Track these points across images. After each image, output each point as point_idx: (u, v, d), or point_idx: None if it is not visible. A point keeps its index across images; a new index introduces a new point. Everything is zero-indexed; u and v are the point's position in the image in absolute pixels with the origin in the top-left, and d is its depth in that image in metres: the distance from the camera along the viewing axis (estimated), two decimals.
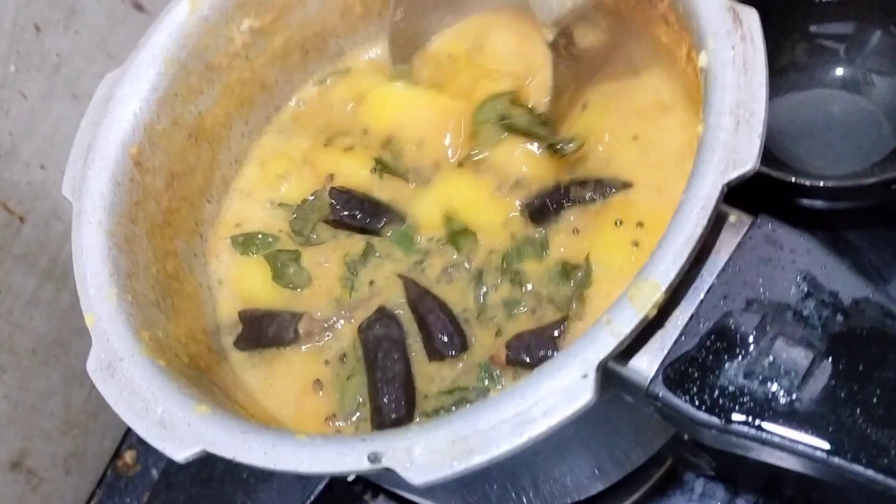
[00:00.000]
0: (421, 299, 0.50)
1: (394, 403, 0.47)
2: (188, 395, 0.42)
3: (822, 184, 0.60)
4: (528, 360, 0.47)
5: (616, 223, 0.50)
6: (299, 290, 0.55)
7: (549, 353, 0.46)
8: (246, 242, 0.57)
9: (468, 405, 0.36)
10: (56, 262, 0.77)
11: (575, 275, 0.50)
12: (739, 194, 0.38)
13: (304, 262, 0.56)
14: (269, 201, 0.59)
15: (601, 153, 0.53)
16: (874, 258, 0.66)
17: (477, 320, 0.50)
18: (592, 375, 0.35)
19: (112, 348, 0.43)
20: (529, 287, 0.50)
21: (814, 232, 0.66)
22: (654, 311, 0.36)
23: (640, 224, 0.50)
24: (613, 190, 0.52)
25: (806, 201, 0.62)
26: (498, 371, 0.48)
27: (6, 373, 0.74)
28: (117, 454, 0.86)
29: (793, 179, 0.60)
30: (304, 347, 0.52)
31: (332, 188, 0.56)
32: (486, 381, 0.48)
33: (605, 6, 0.54)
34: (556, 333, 0.47)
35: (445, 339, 0.48)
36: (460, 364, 0.49)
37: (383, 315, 0.50)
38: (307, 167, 0.59)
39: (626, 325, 0.35)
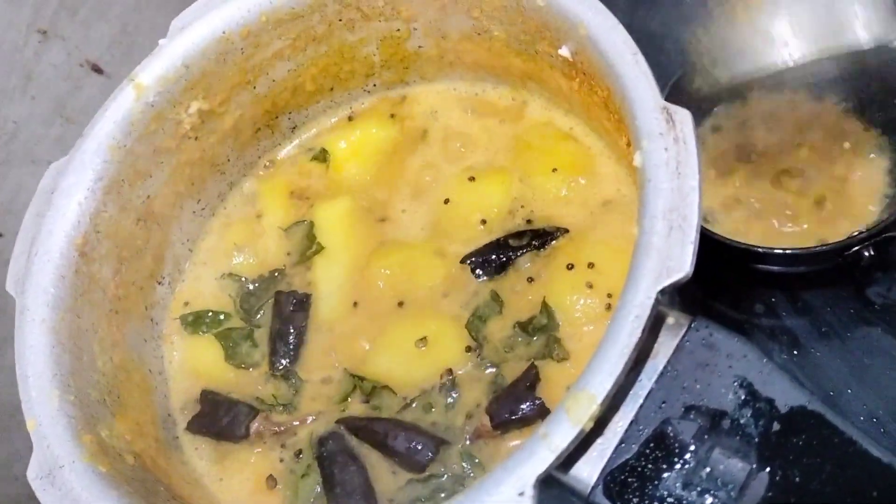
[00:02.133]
0: (371, 430, 0.50)
1: None
2: None
3: (776, 250, 0.60)
4: (513, 416, 0.47)
5: (567, 267, 0.51)
6: (253, 369, 0.55)
7: (532, 403, 0.47)
8: (196, 322, 0.57)
9: None
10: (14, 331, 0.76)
11: (539, 324, 0.50)
12: (697, 261, 0.37)
13: (257, 337, 0.56)
14: (220, 273, 0.58)
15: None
16: (832, 318, 0.66)
17: (445, 414, 0.50)
18: (530, 493, 0.34)
19: (52, 455, 0.43)
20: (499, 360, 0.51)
21: (772, 293, 0.67)
22: (591, 424, 0.36)
23: (591, 265, 0.51)
24: (552, 237, 0.53)
25: (762, 266, 0.63)
26: (479, 450, 0.48)
27: None
28: None
29: (746, 246, 0.60)
30: (255, 449, 0.51)
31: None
32: (467, 466, 0.48)
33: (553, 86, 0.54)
34: (528, 384, 0.48)
35: (419, 447, 0.48)
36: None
37: (335, 432, 0.50)
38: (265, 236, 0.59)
39: (562, 438, 0.35)
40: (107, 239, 0.52)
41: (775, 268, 0.63)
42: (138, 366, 0.53)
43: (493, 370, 0.50)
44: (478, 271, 0.53)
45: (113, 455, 0.45)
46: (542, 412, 0.47)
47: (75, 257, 0.50)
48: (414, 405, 0.50)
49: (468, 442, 0.48)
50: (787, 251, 0.61)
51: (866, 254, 0.60)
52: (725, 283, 0.65)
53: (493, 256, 0.53)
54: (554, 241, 0.53)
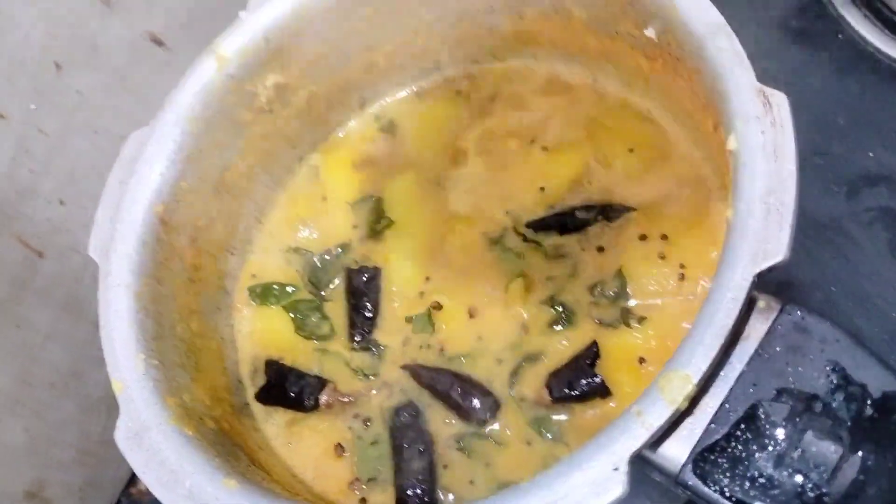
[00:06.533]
0: (434, 379, 0.51)
1: (418, 499, 0.48)
2: (216, 467, 0.42)
3: None
4: (571, 392, 0.48)
5: (640, 238, 0.52)
6: (323, 340, 0.56)
7: (591, 380, 0.48)
8: (264, 294, 0.58)
9: (498, 494, 0.37)
10: (73, 296, 0.78)
11: (611, 290, 0.51)
12: None
13: (326, 310, 0.57)
14: (287, 247, 0.59)
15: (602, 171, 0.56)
16: None
17: (510, 377, 0.51)
18: (624, 468, 0.35)
19: (140, 417, 0.44)
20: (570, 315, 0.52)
21: None
22: (686, 404, 0.36)
23: (663, 237, 0.52)
24: (621, 212, 0.53)
25: None
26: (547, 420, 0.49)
27: (23, 405, 0.74)
28: (132, 482, 0.86)
29: None
30: (323, 416, 0.52)
31: None
32: (540, 432, 0.49)
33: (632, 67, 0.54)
34: (589, 361, 0.49)
35: (477, 404, 0.49)
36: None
37: (410, 404, 0.51)
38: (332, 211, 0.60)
39: (657, 417, 0.36)
40: (186, 208, 0.53)
41: None
42: (213, 333, 0.54)
43: (565, 342, 0.51)
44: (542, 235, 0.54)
45: (196, 419, 0.46)
46: (598, 390, 0.48)
47: (157, 225, 0.51)
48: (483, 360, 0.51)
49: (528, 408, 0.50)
50: None
51: None
52: None
53: (559, 225, 0.54)
54: (621, 215, 0.53)
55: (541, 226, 0.55)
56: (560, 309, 0.52)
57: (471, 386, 0.50)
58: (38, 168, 0.72)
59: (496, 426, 0.50)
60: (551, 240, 0.54)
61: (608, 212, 0.54)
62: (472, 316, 0.53)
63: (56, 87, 0.72)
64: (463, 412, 0.50)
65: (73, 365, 0.78)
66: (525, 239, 0.55)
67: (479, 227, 0.56)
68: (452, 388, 0.50)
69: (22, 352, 0.72)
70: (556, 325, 0.51)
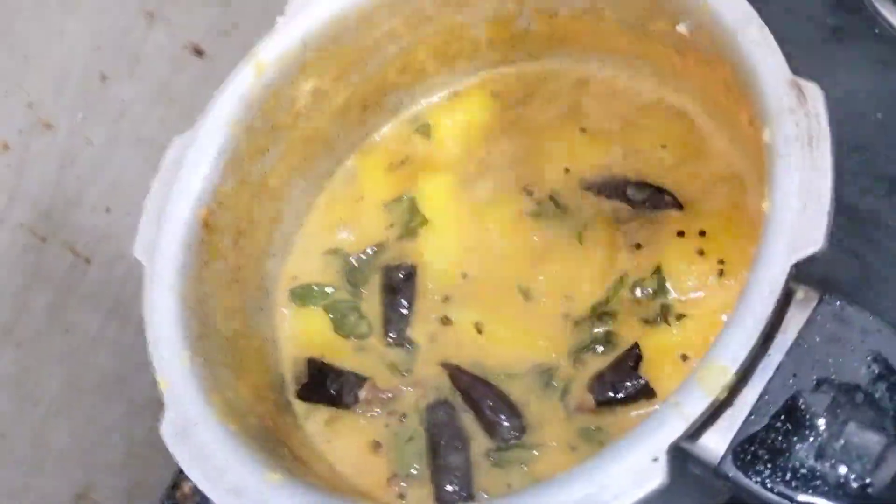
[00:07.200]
0: (468, 387, 0.51)
1: (457, 495, 0.48)
2: (260, 461, 0.43)
3: None
4: (617, 395, 0.48)
5: (678, 234, 0.52)
6: (361, 339, 0.57)
7: (635, 382, 0.48)
8: (303, 295, 0.59)
9: (537, 485, 0.37)
10: (119, 301, 0.80)
11: (650, 286, 0.51)
12: None
13: (363, 309, 0.58)
14: (325, 248, 0.60)
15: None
16: None
17: (545, 390, 0.51)
18: (663, 458, 0.35)
19: (186, 413, 0.45)
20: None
21: None
22: (724, 394, 0.36)
23: (702, 233, 0.52)
24: (666, 204, 0.53)
25: None
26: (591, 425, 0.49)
27: (72, 409, 0.76)
28: (176, 485, 0.88)
29: None
30: (362, 413, 0.53)
31: None
32: (586, 437, 0.49)
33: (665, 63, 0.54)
34: (631, 363, 0.49)
35: (505, 423, 0.49)
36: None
37: (446, 402, 0.52)
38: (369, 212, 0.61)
39: (695, 407, 0.36)
40: (227, 211, 0.54)
41: None
42: (255, 332, 0.55)
43: (608, 343, 0.51)
44: (593, 197, 0.55)
45: (240, 415, 0.47)
46: (643, 391, 0.48)
47: (200, 228, 0.52)
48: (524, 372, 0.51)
49: (571, 415, 0.49)
50: None
51: None
52: None
53: (611, 189, 0.55)
54: (666, 209, 0.53)
55: (592, 187, 0.55)
56: (601, 308, 0.52)
57: (504, 404, 0.51)
58: (84, 176, 0.74)
59: (535, 437, 0.50)
60: (603, 204, 0.54)
61: (658, 195, 0.54)
62: (496, 321, 0.54)
63: (101, 97, 0.75)
64: (489, 425, 0.50)
65: (119, 369, 0.80)
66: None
67: (510, 207, 0.57)
68: (485, 400, 0.50)
69: (70, 357, 0.74)
70: (598, 324, 0.52)
